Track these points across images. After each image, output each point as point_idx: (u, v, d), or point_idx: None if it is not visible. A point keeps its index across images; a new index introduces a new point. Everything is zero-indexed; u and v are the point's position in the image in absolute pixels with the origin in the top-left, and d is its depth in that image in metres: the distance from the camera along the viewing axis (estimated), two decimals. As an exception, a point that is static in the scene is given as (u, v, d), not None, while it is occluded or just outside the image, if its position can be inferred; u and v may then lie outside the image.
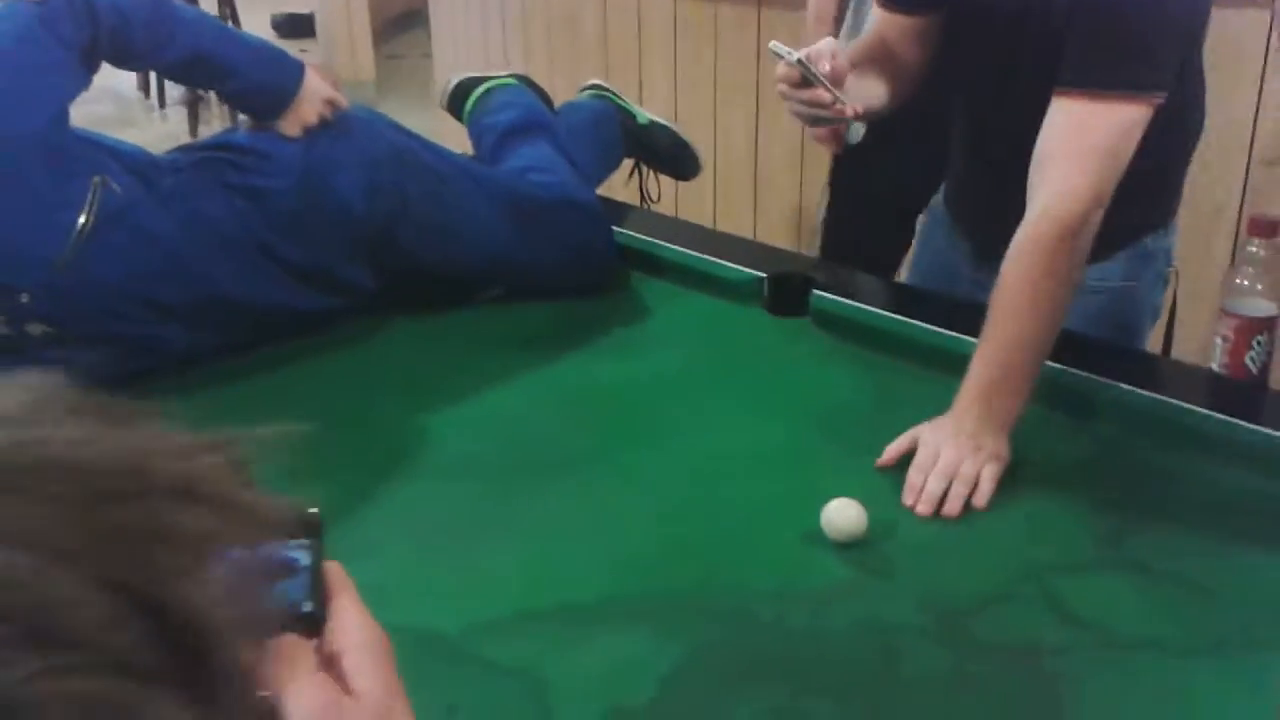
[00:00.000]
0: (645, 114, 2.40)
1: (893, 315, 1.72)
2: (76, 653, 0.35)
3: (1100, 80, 1.38)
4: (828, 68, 1.37)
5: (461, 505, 1.37)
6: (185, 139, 4.76)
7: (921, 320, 1.68)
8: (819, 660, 1.11)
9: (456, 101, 2.21)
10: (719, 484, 1.40)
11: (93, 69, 1.56)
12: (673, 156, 2.41)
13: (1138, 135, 1.38)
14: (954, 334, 1.60)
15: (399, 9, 8.37)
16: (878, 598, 1.19)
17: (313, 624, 0.62)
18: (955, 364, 1.43)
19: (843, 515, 1.24)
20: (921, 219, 2.10)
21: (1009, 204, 1.52)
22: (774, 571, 1.23)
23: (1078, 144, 1.39)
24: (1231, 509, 1.29)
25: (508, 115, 2.08)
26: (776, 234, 3.39)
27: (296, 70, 1.72)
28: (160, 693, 0.37)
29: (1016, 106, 1.52)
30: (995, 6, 1.54)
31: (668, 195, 2.62)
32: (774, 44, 1.39)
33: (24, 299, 1.43)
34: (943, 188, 1.96)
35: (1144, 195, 1.49)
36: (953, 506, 1.30)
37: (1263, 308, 1.38)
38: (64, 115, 1.50)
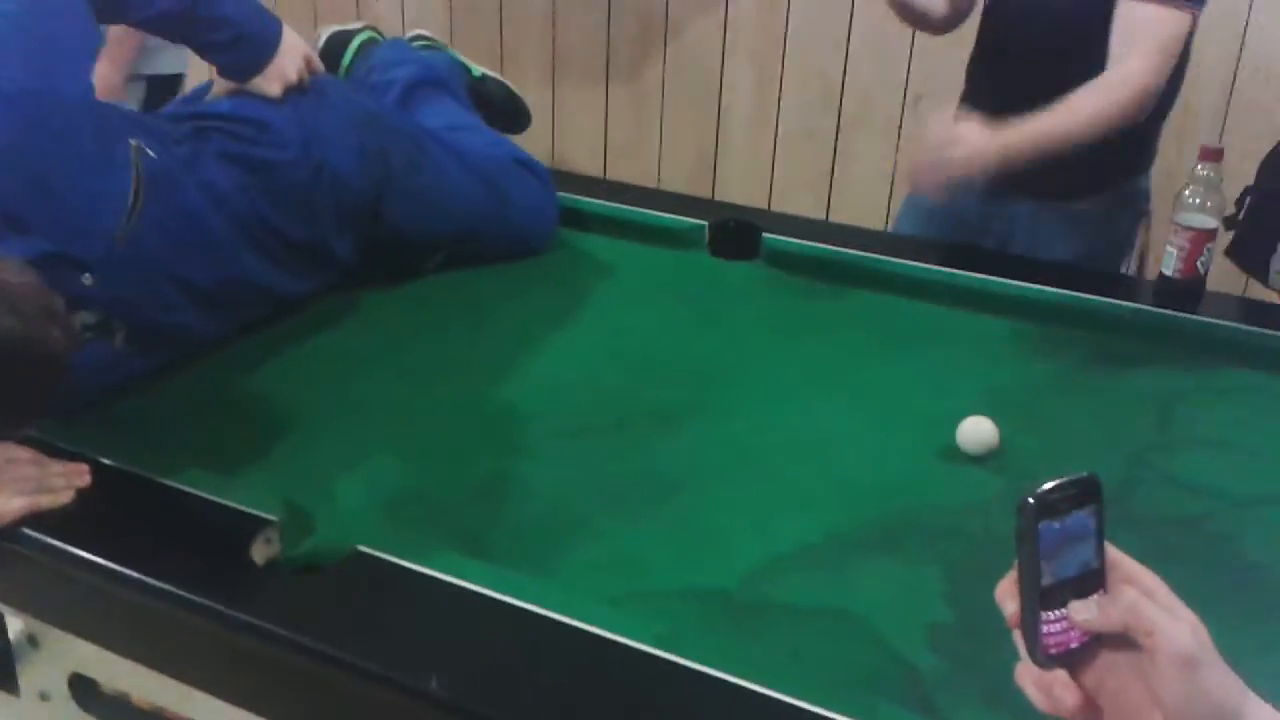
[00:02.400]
0: (477, 67, 2.36)
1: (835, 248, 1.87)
2: None
3: None
4: None
5: (609, 462, 1.36)
6: None
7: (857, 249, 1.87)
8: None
9: (331, 58, 2.05)
10: (818, 419, 1.48)
11: None
12: (505, 110, 2.39)
13: (1180, 46, 1.67)
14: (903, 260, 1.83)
15: None
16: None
17: (1098, 579, 0.67)
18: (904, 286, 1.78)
19: (981, 430, 1.38)
20: None
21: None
22: (939, 491, 1.34)
23: (1142, 38, 1.65)
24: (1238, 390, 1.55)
25: (407, 70, 1.97)
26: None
27: (276, 24, 1.58)
28: None
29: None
30: None
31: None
32: None
33: (86, 280, 1.27)
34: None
35: (1132, 141, 1.74)
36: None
37: (1209, 222, 1.66)
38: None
